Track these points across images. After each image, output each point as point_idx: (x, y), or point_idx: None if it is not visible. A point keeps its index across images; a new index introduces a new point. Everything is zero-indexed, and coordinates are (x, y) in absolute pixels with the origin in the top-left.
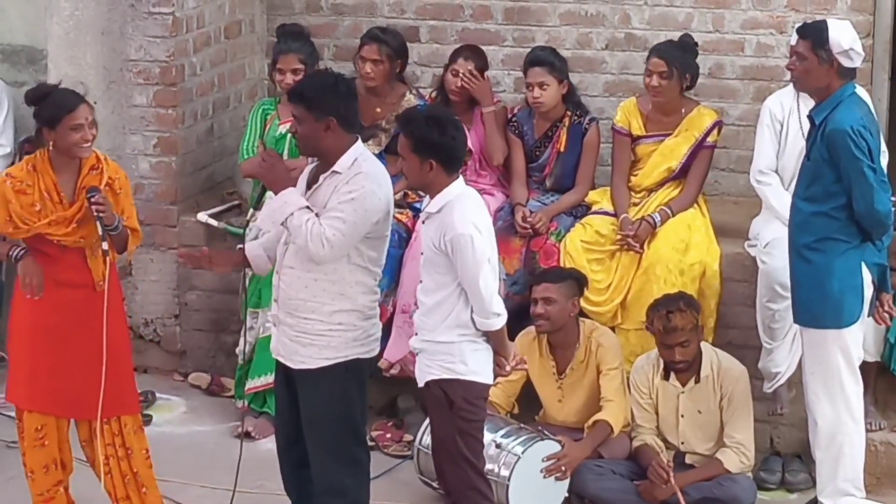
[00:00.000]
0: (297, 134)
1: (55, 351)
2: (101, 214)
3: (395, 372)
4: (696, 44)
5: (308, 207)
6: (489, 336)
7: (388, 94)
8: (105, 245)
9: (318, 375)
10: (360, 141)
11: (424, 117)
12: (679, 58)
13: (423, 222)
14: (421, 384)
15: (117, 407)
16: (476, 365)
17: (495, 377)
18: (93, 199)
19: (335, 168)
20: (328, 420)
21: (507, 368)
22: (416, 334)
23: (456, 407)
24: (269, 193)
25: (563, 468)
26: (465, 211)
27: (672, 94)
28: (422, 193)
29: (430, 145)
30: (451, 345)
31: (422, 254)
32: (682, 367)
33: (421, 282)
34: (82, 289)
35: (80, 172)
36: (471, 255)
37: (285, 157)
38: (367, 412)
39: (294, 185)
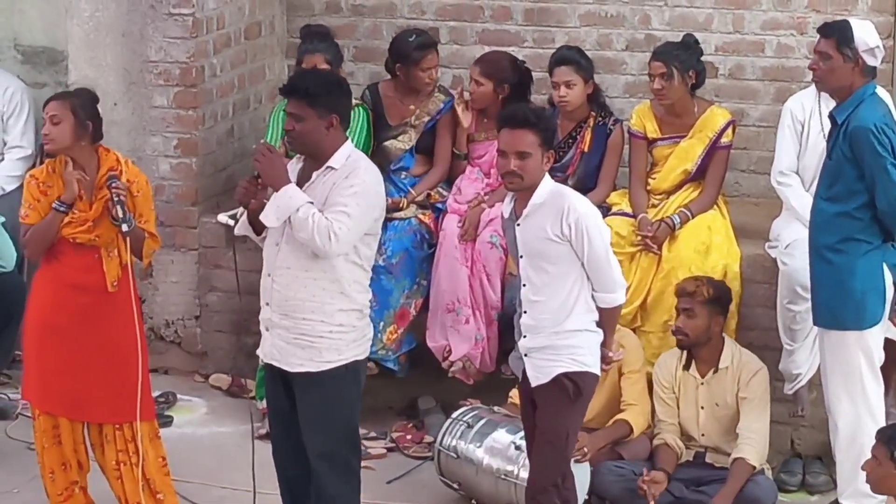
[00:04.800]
0: (293, 131)
1: (62, 351)
2: (120, 198)
3: (456, 370)
4: (697, 42)
5: (311, 202)
6: (606, 315)
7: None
8: (125, 227)
9: (320, 378)
10: (349, 140)
11: (542, 110)
12: (678, 57)
13: (519, 224)
14: (542, 381)
15: (127, 412)
16: (596, 359)
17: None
18: (112, 185)
19: (330, 164)
20: (327, 424)
21: (610, 355)
22: (525, 337)
23: (582, 400)
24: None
25: (585, 450)
26: (573, 193)
27: (678, 95)
28: (444, 193)
29: (553, 136)
30: (583, 333)
31: (521, 256)
32: (682, 341)
33: (524, 285)
34: (93, 292)
35: (98, 173)
36: (597, 231)
37: None
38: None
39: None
